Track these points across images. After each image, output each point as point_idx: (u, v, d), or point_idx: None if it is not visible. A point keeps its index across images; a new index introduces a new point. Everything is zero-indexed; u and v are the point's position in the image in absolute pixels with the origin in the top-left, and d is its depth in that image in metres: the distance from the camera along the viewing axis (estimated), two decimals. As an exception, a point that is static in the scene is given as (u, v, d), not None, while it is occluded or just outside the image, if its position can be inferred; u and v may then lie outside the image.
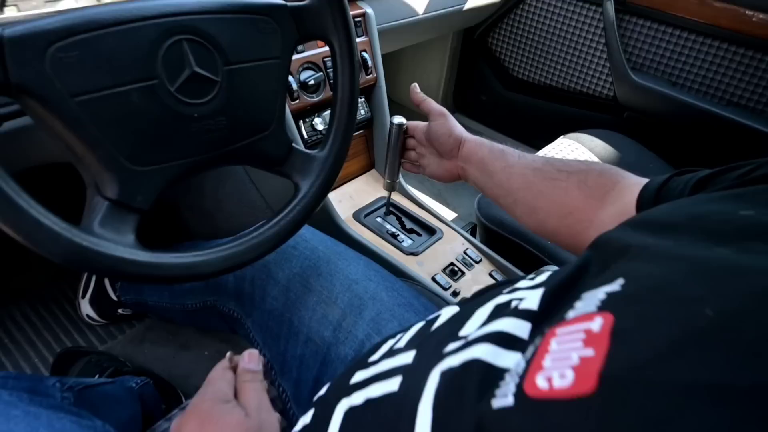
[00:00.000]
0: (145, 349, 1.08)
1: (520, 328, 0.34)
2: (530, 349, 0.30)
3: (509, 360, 0.32)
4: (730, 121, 1.21)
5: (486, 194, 0.71)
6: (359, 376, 0.42)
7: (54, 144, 0.50)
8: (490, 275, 0.97)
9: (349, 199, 1.07)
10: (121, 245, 0.50)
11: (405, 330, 0.49)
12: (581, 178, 0.60)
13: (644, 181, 0.54)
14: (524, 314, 0.34)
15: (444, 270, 0.95)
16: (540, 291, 0.36)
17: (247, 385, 0.48)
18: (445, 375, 0.35)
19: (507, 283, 0.46)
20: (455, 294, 0.92)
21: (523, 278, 0.45)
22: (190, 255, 0.54)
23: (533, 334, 0.33)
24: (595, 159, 1.24)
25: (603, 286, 0.29)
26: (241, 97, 0.57)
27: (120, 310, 1.06)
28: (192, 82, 0.52)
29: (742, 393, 0.19)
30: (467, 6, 1.36)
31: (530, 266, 0.96)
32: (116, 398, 0.68)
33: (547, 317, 0.34)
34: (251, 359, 0.50)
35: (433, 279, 0.93)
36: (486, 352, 0.33)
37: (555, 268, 0.91)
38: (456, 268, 0.96)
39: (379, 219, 1.04)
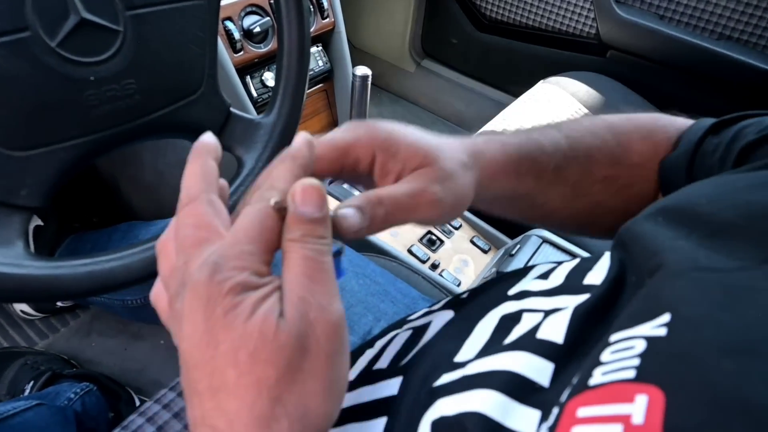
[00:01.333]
0: (92, 342, 0.97)
1: (540, 370, 0.24)
2: (551, 418, 0.21)
3: (523, 421, 0.23)
4: (723, 57, 1.12)
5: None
6: None
7: None
8: (472, 242, 0.88)
9: (310, 163, 0.95)
10: (2, 257, 0.38)
11: (384, 334, 0.39)
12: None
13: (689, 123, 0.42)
14: (546, 349, 0.25)
15: (421, 240, 0.86)
16: (564, 309, 0.27)
17: (297, 249, 0.23)
18: (437, 426, 0.25)
19: (509, 278, 0.36)
20: (434, 266, 0.83)
21: (529, 270, 0.36)
22: (103, 259, 0.42)
23: (557, 380, 0.24)
24: (579, 105, 1.13)
25: (641, 324, 0.20)
26: (155, 52, 0.44)
27: (59, 303, 0.94)
28: (81, 34, 0.39)
29: None
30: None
31: (514, 230, 0.87)
32: (40, 428, 0.57)
33: (573, 356, 0.24)
34: (308, 198, 0.24)
35: (410, 251, 0.83)
36: (492, 404, 0.24)
37: (543, 232, 0.83)
38: (434, 237, 0.87)
39: (345, 185, 0.93)
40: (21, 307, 0.95)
